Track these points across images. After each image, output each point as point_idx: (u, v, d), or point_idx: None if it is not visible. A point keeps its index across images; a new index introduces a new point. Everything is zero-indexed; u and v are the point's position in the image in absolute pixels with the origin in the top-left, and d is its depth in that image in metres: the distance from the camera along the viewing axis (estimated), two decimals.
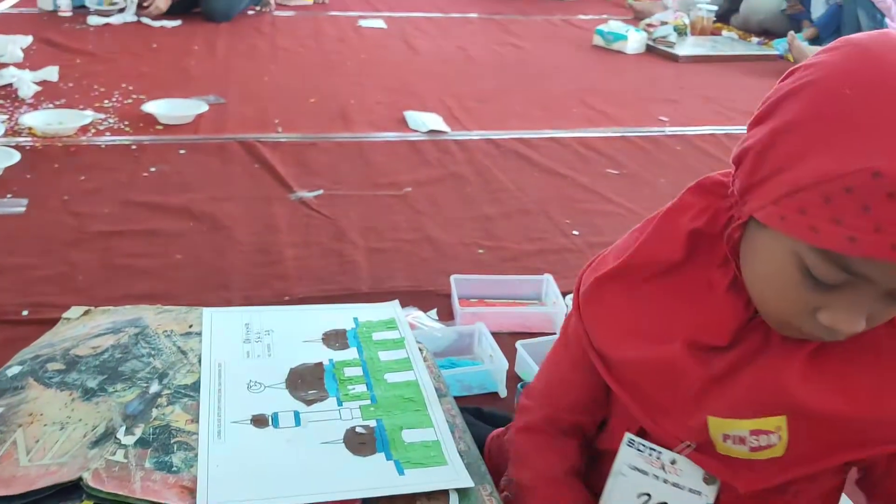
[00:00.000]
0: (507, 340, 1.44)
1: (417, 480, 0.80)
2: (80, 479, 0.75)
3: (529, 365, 1.35)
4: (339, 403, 0.90)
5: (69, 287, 1.59)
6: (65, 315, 1.08)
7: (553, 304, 1.56)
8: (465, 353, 1.44)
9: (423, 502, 0.78)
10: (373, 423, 0.87)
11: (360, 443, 0.84)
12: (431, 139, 2.48)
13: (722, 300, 0.69)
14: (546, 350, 1.41)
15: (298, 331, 1.02)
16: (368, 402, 0.91)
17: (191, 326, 1.03)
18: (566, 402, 0.84)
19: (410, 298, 1.60)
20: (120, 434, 0.82)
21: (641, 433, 0.77)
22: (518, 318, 1.53)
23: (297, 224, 1.89)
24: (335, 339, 1.02)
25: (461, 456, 0.84)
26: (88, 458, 0.78)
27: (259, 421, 0.86)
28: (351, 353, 0.98)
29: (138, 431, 0.83)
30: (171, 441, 0.82)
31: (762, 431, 0.69)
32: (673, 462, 0.74)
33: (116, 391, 0.89)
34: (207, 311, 1.06)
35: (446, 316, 1.58)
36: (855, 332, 0.62)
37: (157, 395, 0.89)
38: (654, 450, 0.75)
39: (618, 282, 0.75)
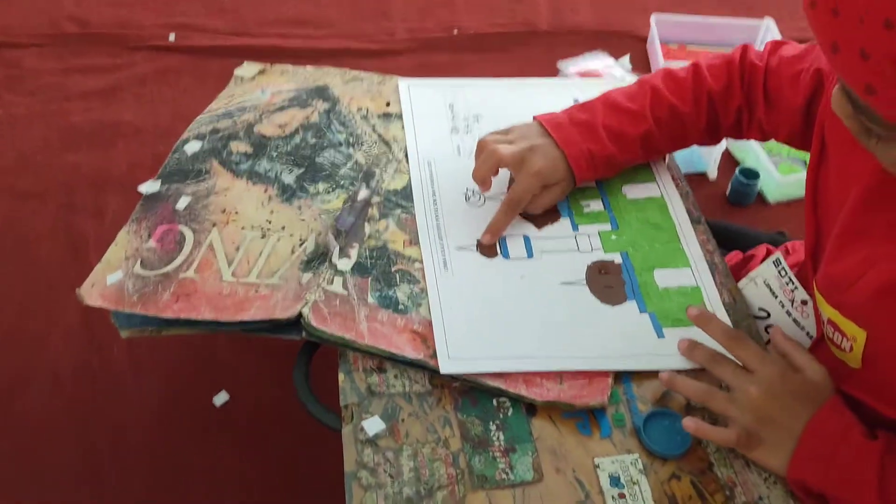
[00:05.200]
0: None
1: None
2: (301, 315, 0.66)
3: (749, 144, 1.15)
4: (575, 227, 0.76)
5: (214, 6, 1.42)
6: (237, 72, 0.93)
7: None
8: None
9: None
10: (618, 259, 0.73)
11: (606, 286, 0.71)
12: None
13: None
14: None
15: (510, 118, 0.84)
16: (608, 226, 0.76)
17: (388, 105, 0.87)
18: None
19: (598, 40, 1.38)
20: (335, 257, 0.71)
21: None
22: None
23: None
24: None
25: (727, 312, 0.70)
26: (303, 286, 0.69)
27: (486, 248, 0.73)
28: None
29: (353, 253, 0.72)
30: (392, 269, 0.71)
31: (838, 329, 0.58)
32: (804, 302, 0.67)
33: (319, 193, 0.77)
34: (404, 83, 0.89)
35: (641, 65, 1.35)
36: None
37: (367, 203, 0.76)
38: (793, 282, 0.68)
39: None
